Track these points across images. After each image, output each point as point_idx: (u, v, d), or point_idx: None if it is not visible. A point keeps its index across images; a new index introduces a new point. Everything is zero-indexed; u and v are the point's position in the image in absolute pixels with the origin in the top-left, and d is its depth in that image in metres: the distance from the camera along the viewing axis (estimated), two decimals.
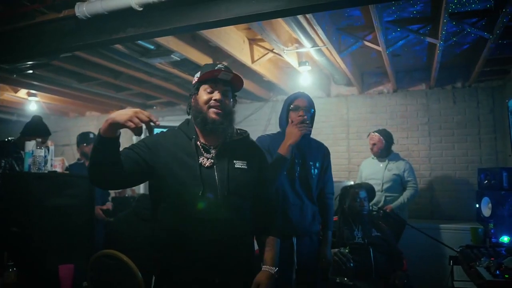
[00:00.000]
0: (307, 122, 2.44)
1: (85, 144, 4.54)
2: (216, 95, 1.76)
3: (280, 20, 3.67)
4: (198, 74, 1.83)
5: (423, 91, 5.40)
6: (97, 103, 6.76)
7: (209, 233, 1.68)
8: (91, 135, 4.61)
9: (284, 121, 2.55)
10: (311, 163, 2.58)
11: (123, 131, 1.59)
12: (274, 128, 5.99)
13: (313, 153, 2.64)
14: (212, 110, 1.75)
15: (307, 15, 3.09)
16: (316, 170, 2.60)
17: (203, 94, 1.78)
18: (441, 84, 5.28)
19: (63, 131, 7.37)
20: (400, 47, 4.16)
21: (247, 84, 5.33)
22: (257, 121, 6.08)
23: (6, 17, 3.11)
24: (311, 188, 2.58)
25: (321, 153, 2.70)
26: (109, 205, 4.48)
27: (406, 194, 4.38)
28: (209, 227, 1.69)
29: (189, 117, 1.88)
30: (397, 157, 4.55)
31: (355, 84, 5.31)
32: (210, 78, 1.77)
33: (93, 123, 7.59)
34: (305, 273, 2.54)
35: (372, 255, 3.07)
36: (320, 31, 3.36)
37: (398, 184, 4.44)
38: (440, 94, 5.31)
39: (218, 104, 1.75)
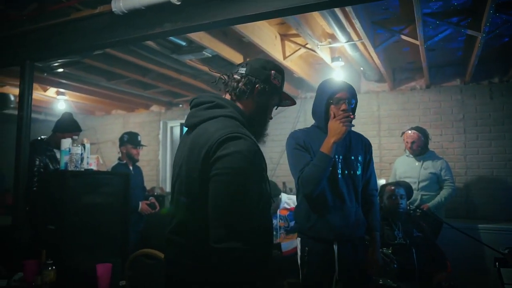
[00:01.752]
0: (351, 116, 2.24)
1: (131, 146, 4.42)
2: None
3: (314, 14, 3.60)
4: (278, 77, 1.64)
5: (458, 86, 5.22)
6: (124, 101, 6.78)
7: None
8: (139, 138, 4.51)
9: (322, 114, 2.31)
10: (352, 157, 2.34)
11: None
12: (303, 126, 5.89)
13: (354, 146, 2.38)
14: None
15: (346, 8, 2.98)
16: (359, 165, 2.36)
17: (271, 107, 1.69)
18: (477, 80, 5.09)
19: (90, 129, 7.40)
20: (436, 41, 4.03)
21: None
22: (286, 118, 5.98)
23: (41, 14, 3.10)
24: (356, 187, 2.34)
25: (363, 145, 2.44)
26: (153, 199, 4.48)
27: (444, 193, 4.24)
28: None
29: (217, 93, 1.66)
30: (433, 155, 4.40)
31: (387, 79, 5.18)
32: (286, 101, 1.74)
33: (119, 121, 7.63)
34: (348, 284, 2.30)
35: (415, 256, 2.95)
36: (358, 25, 3.25)
37: (434, 182, 4.30)
38: (475, 90, 5.12)
39: None
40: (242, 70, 1.61)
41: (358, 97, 2.39)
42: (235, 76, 1.61)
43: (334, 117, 2.23)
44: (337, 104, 2.26)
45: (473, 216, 4.98)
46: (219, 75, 1.67)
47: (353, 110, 2.33)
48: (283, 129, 5.93)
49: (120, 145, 4.50)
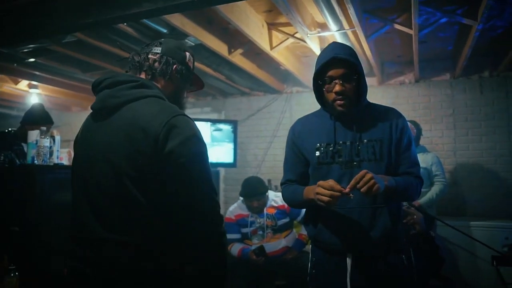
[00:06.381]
0: (341, 99, 1.73)
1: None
2: None
3: (304, 1, 3.40)
4: (191, 59, 1.65)
5: (447, 81, 5.10)
6: None
7: None
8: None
9: (318, 98, 1.87)
10: (365, 140, 1.79)
11: None
12: (289, 122, 5.71)
13: (373, 125, 1.82)
14: None
15: None
16: (380, 151, 1.78)
17: (186, 89, 1.68)
18: (467, 74, 4.98)
19: (65, 125, 7.05)
20: (426, 32, 3.90)
21: (261, 75, 5.03)
22: (270, 114, 5.77)
23: None
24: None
25: (387, 123, 1.82)
26: None
27: (435, 189, 4.10)
28: None
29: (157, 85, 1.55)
30: (423, 150, 4.26)
31: (376, 73, 5.02)
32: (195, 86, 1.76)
33: None
34: None
35: (413, 256, 2.77)
36: (351, 11, 3.06)
37: (425, 178, 4.13)
38: (465, 84, 5.01)
39: None
40: (157, 50, 1.55)
41: None
42: (150, 56, 1.54)
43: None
44: (329, 84, 1.76)
45: (463, 213, 4.86)
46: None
47: (357, 86, 1.76)
48: (267, 125, 5.74)
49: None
